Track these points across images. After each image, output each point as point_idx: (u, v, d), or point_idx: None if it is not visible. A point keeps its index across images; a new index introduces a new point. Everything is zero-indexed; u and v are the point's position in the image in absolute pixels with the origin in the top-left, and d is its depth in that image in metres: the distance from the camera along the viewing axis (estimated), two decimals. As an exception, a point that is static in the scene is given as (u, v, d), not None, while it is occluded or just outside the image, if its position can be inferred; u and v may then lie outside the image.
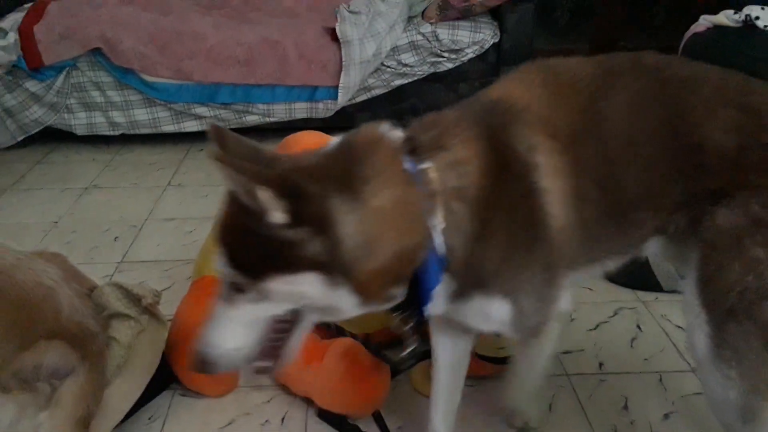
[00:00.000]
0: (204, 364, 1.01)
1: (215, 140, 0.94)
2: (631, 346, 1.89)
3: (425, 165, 1.02)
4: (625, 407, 1.66)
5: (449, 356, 1.41)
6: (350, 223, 0.93)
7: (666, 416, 1.63)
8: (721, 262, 1.07)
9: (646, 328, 1.96)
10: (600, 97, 1.13)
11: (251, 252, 0.94)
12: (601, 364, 1.82)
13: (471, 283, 1.09)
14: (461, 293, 1.10)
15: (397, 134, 1.05)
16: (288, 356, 1.07)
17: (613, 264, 1.28)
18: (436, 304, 1.10)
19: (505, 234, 1.07)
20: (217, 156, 0.89)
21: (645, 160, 1.12)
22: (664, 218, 1.17)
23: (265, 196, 0.89)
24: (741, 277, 1.04)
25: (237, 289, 0.97)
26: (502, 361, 1.68)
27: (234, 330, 0.99)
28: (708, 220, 1.09)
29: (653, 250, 1.26)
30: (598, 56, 1.21)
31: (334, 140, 1.05)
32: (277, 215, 0.90)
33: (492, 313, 1.13)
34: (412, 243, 0.99)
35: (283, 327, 1.04)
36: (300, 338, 1.07)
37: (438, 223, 1.00)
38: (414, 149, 1.03)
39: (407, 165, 1.00)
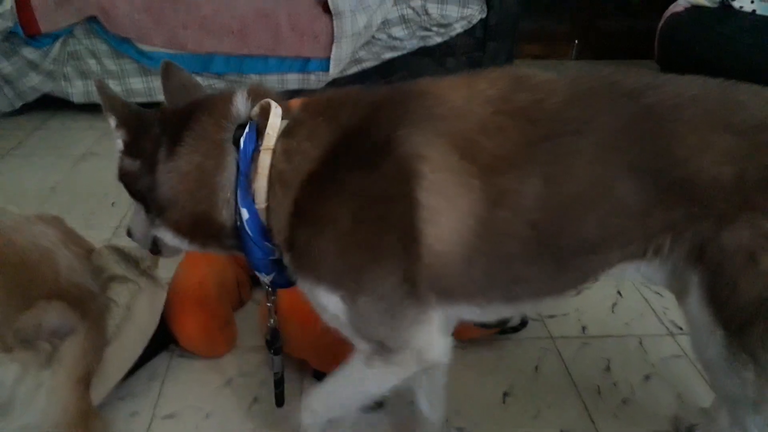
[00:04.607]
0: (129, 233, 1.26)
1: (162, 68, 1.16)
2: (612, 311, 1.87)
3: (264, 146, 1.01)
4: (608, 369, 1.65)
5: None
6: (164, 173, 1.04)
7: (646, 378, 1.62)
8: (735, 282, 0.95)
9: (626, 293, 1.94)
10: (563, 131, 0.95)
11: (124, 173, 1.12)
12: (584, 328, 1.80)
13: (301, 265, 1.04)
14: (295, 272, 1.05)
15: (243, 106, 1.06)
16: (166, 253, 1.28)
17: (551, 303, 1.13)
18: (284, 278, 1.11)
19: (345, 228, 0.97)
20: (98, 84, 1.06)
21: (615, 203, 0.95)
22: (636, 248, 1.01)
23: (111, 122, 1.06)
24: (761, 293, 0.94)
25: None
26: (491, 326, 1.65)
27: (134, 220, 1.22)
28: (711, 243, 0.95)
29: (617, 273, 1.08)
30: (574, 76, 1.03)
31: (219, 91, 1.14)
32: (118, 142, 1.08)
33: (324, 303, 1.04)
34: (204, 211, 1.05)
35: None
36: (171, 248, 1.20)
37: (259, 202, 1.02)
38: (263, 129, 1.02)
39: (245, 139, 1.01)
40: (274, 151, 1.01)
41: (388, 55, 3.37)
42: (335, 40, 3.18)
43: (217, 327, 1.65)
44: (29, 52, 3.12)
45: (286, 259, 1.05)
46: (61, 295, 1.40)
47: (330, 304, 1.03)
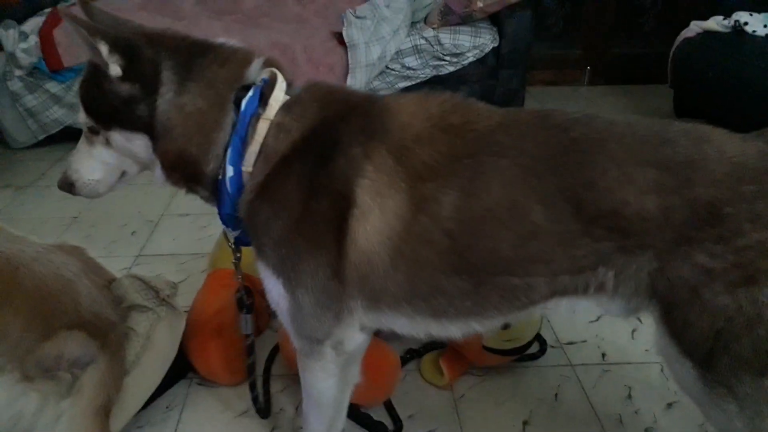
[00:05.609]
0: (67, 185, 1.19)
1: (82, 8, 1.07)
2: (632, 337, 1.83)
3: (265, 116, 1.05)
4: (629, 397, 1.61)
5: None
6: (165, 100, 1.03)
7: (669, 406, 1.58)
8: (686, 316, 0.95)
9: (645, 319, 1.87)
10: (488, 152, 0.99)
11: (100, 104, 1.07)
12: (603, 355, 1.77)
13: (258, 241, 1.09)
14: (253, 247, 1.11)
15: (255, 72, 1.08)
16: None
17: (481, 327, 1.12)
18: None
19: (295, 216, 1.03)
20: (66, 14, 0.98)
21: (531, 227, 0.97)
22: (570, 282, 1.01)
23: (103, 49, 1.00)
24: (712, 325, 0.93)
25: (93, 132, 1.11)
26: (508, 352, 1.62)
27: (90, 163, 1.16)
28: (659, 278, 0.95)
29: (566, 306, 1.07)
30: (512, 109, 1.09)
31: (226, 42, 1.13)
32: (113, 68, 1.02)
33: (270, 286, 1.10)
34: (193, 154, 1.06)
35: None
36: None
37: (247, 165, 1.05)
38: (266, 98, 1.06)
39: (246, 103, 1.04)
40: (271, 123, 1.05)
41: (402, 84, 3.40)
42: (350, 71, 3.22)
43: (234, 355, 1.64)
44: (52, 86, 3.20)
45: (244, 223, 1.11)
46: (81, 325, 1.41)
47: (274, 289, 1.09)
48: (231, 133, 1.05)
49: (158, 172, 1.11)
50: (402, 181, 1.00)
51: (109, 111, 1.07)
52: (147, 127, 1.06)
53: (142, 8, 3.47)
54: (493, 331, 1.56)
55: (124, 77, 1.03)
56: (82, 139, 1.15)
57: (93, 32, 0.99)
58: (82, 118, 1.12)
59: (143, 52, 1.03)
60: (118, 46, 1.01)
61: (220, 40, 1.12)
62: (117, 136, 1.10)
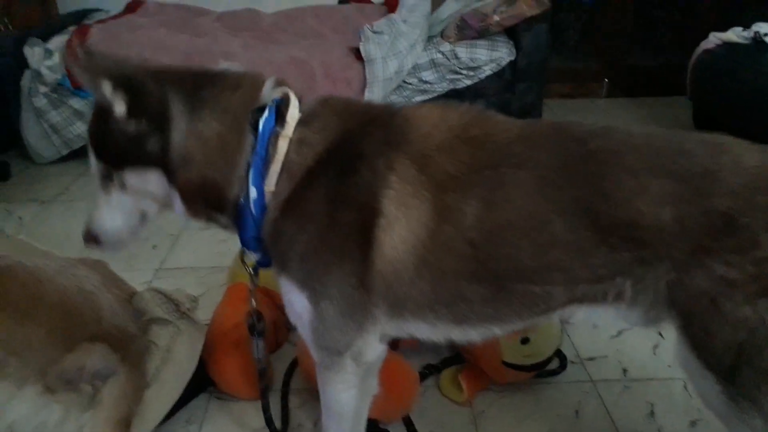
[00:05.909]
0: (91, 237, 1.16)
1: (83, 53, 1.04)
2: (654, 353, 1.81)
3: (284, 133, 1.05)
4: (652, 414, 1.59)
5: None
6: (179, 131, 1.03)
7: (693, 423, 1.55)
8: (706, 327, 0.94)
9: (667, 334, 1.87)
10: (507, 163, 1.01)
11: (110, 145, 1.06)
12: (625, 371, 1.74)
13: (282, 257, 1.09)
14: (275, 262, 1.11)
15: (269, 93, 1.08)
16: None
17: (501, 331, 1.13)
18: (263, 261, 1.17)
19: (322, 228, 1.03)
20: (69, 56, 0.98)
21: (550, 236, 0.98)
22: (588, 290, 1.02)
23: (106, 88, 1.00)
24: (733, 337, 0.92)
25: (107, 178, 1.10)
26: (528, 368, 1.61)
27: (109, 212, 1.13)
28: (677, 288, 0.95)
29: (584, 315, 1.08)
30: (532, 121, 1.10)
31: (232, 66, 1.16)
32: (119, 106, 1.01)
33: (293, 299, 1.09)
34: (216, 179, 1.05)
35: None
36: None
37: (270, 185, 1.06)
38: (283, 116, 1.06)
39: (264, 122, 1.05)
40: (291, 140, 1.06)
41: (419, 98, 3.41)
42: (367, 86, 3.24)
43: (253, 369, 1.64)
44: (76, 102, 3.25)
45: (267, 242, 1.10)
46: (103, 337, 1.43)
47: (297, 302, 1.09)
48: (251, 154, 1.05)
49: (178, 205, 1.10)
50: (426, 191, 1.01)
51: (119, 151, 1.06)
52: (160, 161, 1.05)
53: (162, 26, 3.52)
54: (512, 345, 1.56)
55: (130, 114, 1.02)
56: (98, 190, 1.14)
57: (96, 72, 1.00)
58: (93, 166, 1.11)
59: (147, 86, 1.03)
60: (121, 83, 1.01)
61: (222, 65, 1.14)
62: (130, 176, 1.09)
